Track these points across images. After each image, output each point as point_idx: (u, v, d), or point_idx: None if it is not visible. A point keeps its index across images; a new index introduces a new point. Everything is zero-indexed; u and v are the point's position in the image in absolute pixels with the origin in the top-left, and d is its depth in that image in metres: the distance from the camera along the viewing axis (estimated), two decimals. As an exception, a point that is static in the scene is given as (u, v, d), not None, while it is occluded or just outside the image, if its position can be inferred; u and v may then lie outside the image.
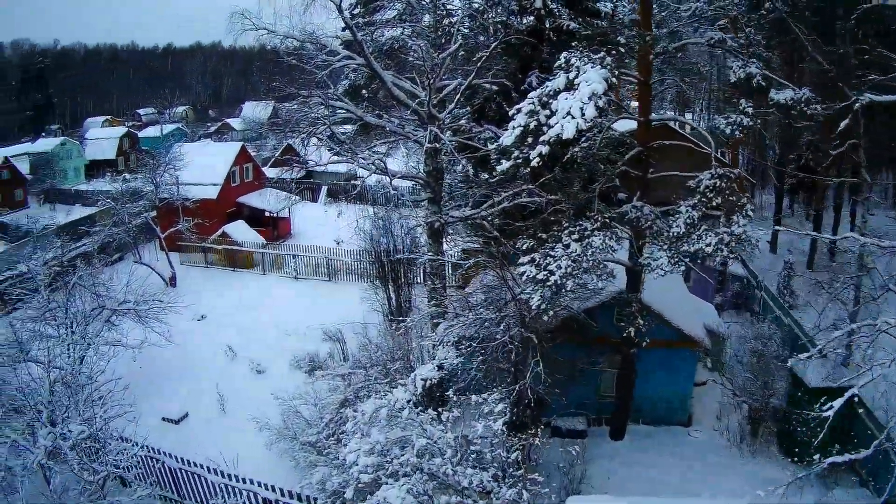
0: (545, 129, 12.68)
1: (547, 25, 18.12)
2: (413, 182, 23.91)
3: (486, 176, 18.03)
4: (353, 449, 12.03)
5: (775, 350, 18.47)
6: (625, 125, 20.06)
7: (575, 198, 14.92)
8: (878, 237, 15.72)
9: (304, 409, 17.82)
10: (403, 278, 24.63)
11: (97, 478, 13.74)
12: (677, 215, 14.33)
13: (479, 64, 17.95)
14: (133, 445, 15.16)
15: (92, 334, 20.83)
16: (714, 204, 13.94)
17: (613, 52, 13.50)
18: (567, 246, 13.51)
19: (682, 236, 14.11)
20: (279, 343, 25.45)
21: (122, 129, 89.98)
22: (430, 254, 19.86)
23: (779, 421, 17.25)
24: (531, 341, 14.80)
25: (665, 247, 14.52)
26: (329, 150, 20.08)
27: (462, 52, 20.04)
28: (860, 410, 14.88)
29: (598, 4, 18.66)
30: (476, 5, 20.32)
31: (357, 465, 11.76)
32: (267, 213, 41.32)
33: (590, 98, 12.40)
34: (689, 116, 51.87)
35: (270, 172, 46.43)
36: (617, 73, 13.57)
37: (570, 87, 12.84)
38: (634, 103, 22.80)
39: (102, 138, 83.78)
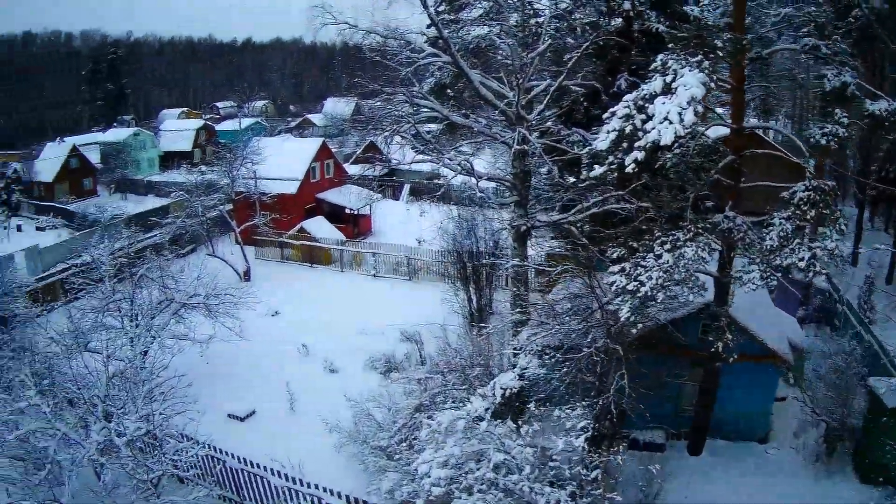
0: (641, 133, 12.36)
1: (635, 28, 17.86)
2: (498, 183, 23.60)
3: (574, 180, 17.71)
4: (426, 459, 11.69)
5: (855, 367, 17.76)
6: (713, 132, 19.55)
7: (665, 206, 14.53)
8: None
9: (377, 412, 17.47)
10: (486, 281, 24.29)
11: (151, 476, 13.26)
12: (770, 227, 13.82)
13: (569, 65, 17.64)
14: (194, 444, 14.61)
15: (158, 327, 20.49)
16: (808, 217, 13.44)
17: (711, 55, 13.13)
18: (659, 256, 13.18)
19: (774, 249, 13.62)
20: (354, 342, 24.65)
21: (198, 122, 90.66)
22: (514, 257, 19.33)
23: (856, 440, 16.65)
24: (616, 353, 14.47)
25: (757, 260, 14.04)
26: (413, 149, 19.76)
27: (549, 54, 19.71)
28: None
29: (684, 8, 18.23)
30: (564, 5, 20.07)
31: (429, 476, 11.43)
32: (347, 210, 40.82)
33: (689, 103, 12.02)
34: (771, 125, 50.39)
35: (352, 169, 46.51)
36: (714, 77, 13.23)
37: (668, 90, 12.47)
38: (719, 109, 22.20)
39: (178, 130, 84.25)
